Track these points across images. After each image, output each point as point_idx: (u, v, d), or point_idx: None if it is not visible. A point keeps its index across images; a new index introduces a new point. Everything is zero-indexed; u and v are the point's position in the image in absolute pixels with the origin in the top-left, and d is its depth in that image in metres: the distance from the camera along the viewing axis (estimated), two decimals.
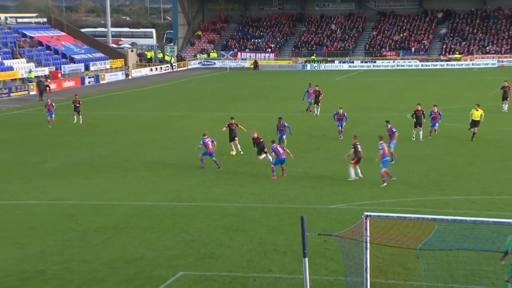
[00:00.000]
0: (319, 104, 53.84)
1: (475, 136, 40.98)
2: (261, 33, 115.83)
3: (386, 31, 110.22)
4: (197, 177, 34.28)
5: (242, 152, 38.80)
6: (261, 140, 35.96)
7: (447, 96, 64.86)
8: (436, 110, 41.57)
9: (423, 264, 19.20)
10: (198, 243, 24.25)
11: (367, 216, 16.54)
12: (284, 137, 39.19)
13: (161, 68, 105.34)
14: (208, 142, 35.24)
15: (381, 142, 31.35)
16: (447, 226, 19.62)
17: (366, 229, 16.38)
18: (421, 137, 41.61)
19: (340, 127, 42.83)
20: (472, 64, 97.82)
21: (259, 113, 57.11)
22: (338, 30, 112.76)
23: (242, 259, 22.43)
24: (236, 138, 39.19)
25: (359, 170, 32.08)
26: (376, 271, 17.45)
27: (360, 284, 16.52)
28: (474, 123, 40.95)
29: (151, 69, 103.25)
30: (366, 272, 16.46)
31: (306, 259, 15.32)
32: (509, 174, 33.16)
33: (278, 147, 33.49)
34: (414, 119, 41.77)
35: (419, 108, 41.53)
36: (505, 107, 52.48)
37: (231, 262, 22.27)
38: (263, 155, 35.55)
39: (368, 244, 16.43)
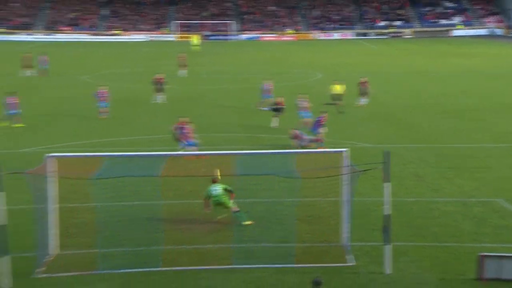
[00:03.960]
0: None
1: (341, 108, 34.50)
2: None
3: (60, 10, 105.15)
4: None
5: None
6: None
7: (110, 62, 64.36)
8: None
9: (97, 189, 19.13)
10: None
11: (49, 156, 16.01)
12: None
13: None
14: None
15: None
16: (115, 160, 19.75)
17: (49, 167, 15.87)
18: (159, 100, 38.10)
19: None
20: (130, 38, 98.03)
21: None
22: (20, 6, 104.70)
23: None
24: None
25: None
26: (61, 199, 16.96)
27: (46, 209, 15.98)
28: (336, 97, 34.61)
29: None
30: (51, 199, 16.00)
31: (2, 193, 14.32)
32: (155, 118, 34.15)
33: None
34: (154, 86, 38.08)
35: (159, 76, 38.37)
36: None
37: None
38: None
39: (52, 178, 15.93)
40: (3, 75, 51.57)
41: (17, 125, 30.68)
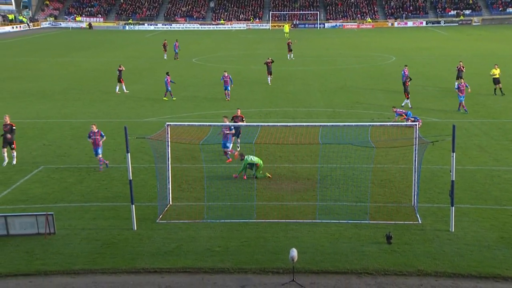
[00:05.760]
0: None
1: (501, 90, 32.46)
2: (93, 2, 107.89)
3: (177, 4, 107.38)
4: (52, 101, 31.94)
5: None
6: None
7: (215, 47, 65.16)
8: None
9: (204, 153, 19.54)
10: (54, 146, 22.80)
11: (168, 125, 16.45)
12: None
13: (20, 27, 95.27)
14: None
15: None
16: (218, 129, 20.03)
17: (167, 133, 16.30)
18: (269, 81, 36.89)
19: (226, 91, 31.90)
20: (231, 27, 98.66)
21: (95, 58, 53.79)
22: (146, 2, 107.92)
23: (86, 156, 21.49)
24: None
25: None
26: (175, 160, 17.49)
27: (164, 168, 16.52)
28: (495, 80, 32.37)
29: (12, 27, 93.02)
30: (168, 160, 16.50)
31: (129, 154, 14.95)
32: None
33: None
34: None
35: (269, 59, 37.01)
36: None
37: (77, 158, 21.26)
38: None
39: (169, 143, 16.40)
40: (148, 58, 53.43)
41: (174, 98, 32.03)
